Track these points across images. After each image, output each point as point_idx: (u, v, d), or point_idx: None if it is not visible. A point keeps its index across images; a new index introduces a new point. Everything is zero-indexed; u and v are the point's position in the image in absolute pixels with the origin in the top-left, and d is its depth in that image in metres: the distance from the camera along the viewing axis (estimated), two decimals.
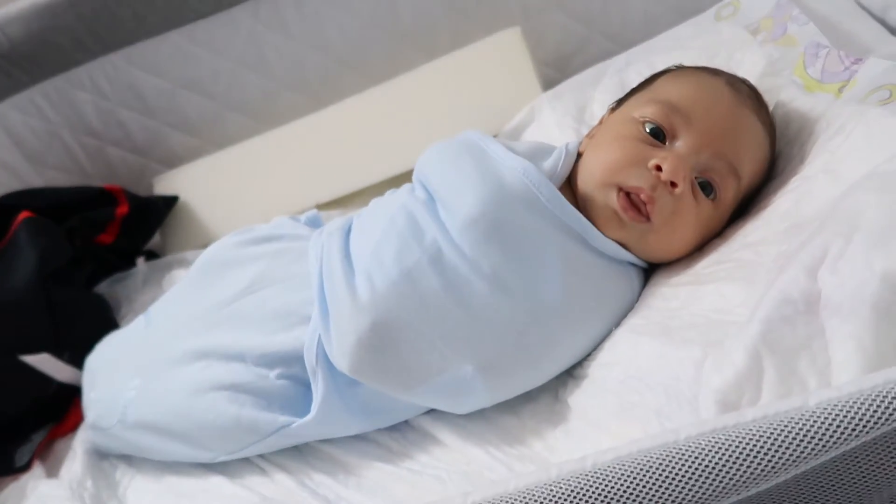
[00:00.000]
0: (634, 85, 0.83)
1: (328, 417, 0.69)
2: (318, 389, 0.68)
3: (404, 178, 0.92)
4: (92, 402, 0.79)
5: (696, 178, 0.68)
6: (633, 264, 0.72)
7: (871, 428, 0.42)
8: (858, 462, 0.44)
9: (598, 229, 0.68)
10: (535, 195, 0.68)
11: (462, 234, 0.66)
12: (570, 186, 0.73)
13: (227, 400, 0.70)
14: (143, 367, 0.75)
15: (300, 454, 0.73)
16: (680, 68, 0.77)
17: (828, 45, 0.76)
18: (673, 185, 0.66)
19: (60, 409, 0.86)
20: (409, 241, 0.67)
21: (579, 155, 0.75)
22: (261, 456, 0.73)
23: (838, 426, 0.42)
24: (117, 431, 0.75)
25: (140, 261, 1.05)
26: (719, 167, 0.68)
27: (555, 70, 1.13)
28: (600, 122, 0.78)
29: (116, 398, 0.75)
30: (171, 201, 1.10)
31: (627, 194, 0.67)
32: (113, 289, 1.03)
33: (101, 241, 1.04)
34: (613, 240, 0.69)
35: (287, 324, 0.71)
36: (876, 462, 0.44)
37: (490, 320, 0.66)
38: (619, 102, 0.78)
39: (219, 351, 0.72)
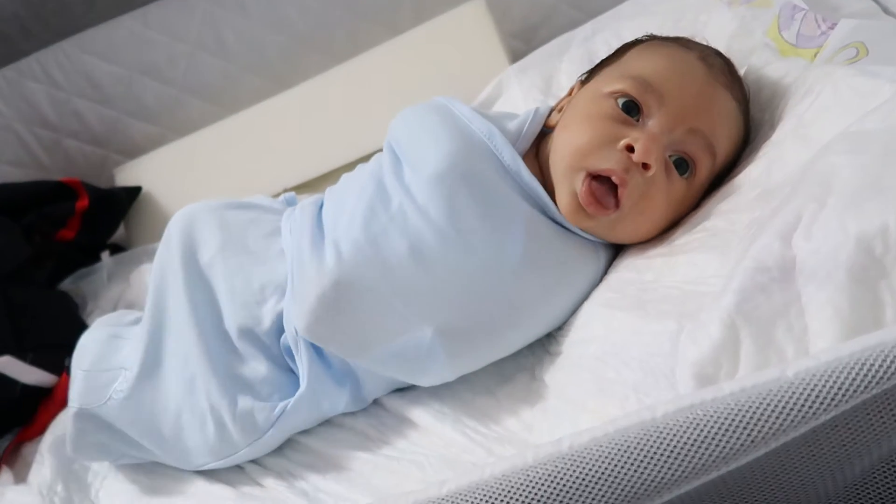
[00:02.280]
0: (601, 54, 0.81)
1: (318, 389, 0.68)
2: (302, 361, 0.68)
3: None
4: (78, 385, 0.72)
5: (669, 155, 0.66)
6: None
7: (851, 396, 0.41)
8: (839, 431, 0.43)
9: (564, 216, 0.67)
10: (497, 158, 0.68)
11: (428, 192, 0.66)
12: (536, 158, 0.72)
13: (218, 414, 0.67)
14: (133, 357, 0.71)
15: (279, 448, 0.71)
16: (651, 40, 0.75)
17: (804, 8, 0.74)
18: (645, 166, 0.64)
19: (27, 412, 0.84)
20: (376, 208, 0.67)
21: (548, 127, 0.73)
22: None
23: (817, 396, 0.41)
24: (106, 412, 0.69)
25: (104, 255, 1.03)
26: (694, 144, 0.66)
27: (521, 42, 1.11)
28: (570, 94, 0.76)
29: (108, 380, 0.70)
30: (133, 192, 1.07)
31: (597, 177, 0.65)
32: (77, 285, 1.01)
33: (62, 237, 1.02)
34: (579, 228, 0.68)
35: (261, 298, 0.70)
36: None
37: (450, 282, 0.65)
38: (590, 74, 0.76)
39: (204, 347, 0.69)
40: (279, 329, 0.70)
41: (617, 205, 0.65)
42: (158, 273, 0.75)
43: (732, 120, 0.69)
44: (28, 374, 0.84)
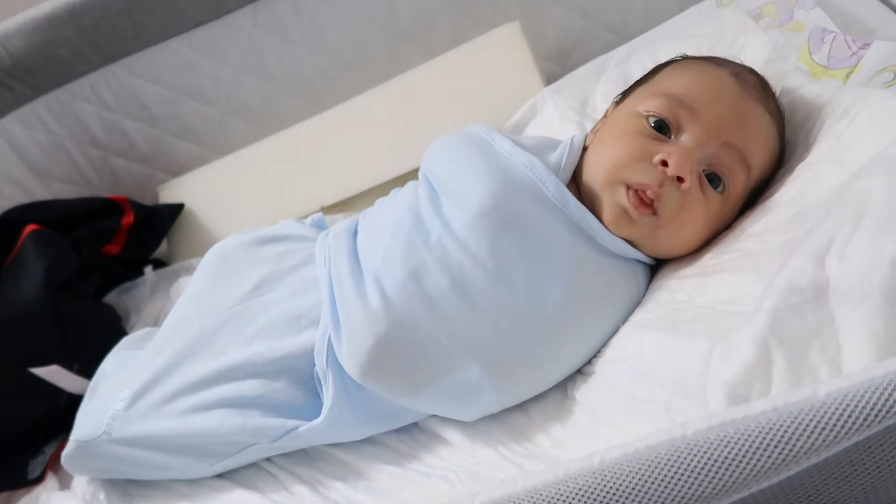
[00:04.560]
0: (637, 76, 0.82)
1: (337, 421, 0.68)
2: (328, 392, 0.68)
3: (408, 177, 0.92)
4: (82, 412, 0.76)
5: (703, 170, 0.67)
6: (640, 261, 0.71)
7: (884, 417, 0.41)
8: (872, 451, 0.43)
9: (606, 227, 0.68)
10: (542, 191, 0.67)
11: (470, 229, 0.66)
12: (575, 182, 0.72)
13: (232, 413, 0.69)
14: (137, 379, 0.73)
15: (311, 459, 0.73)
16: (683, 59, 0.76)
17: (834, 31, 0.74)
18: (680, 179, 0.66)
19: (72, 420, 0.86)
20: (415, 242, 0.67)
21: (585, 150, 0.74)
22: (272, 462, 0.73)
23: (850, 416, 0.41)
24: (99, 445, 0.72)
25: (148, 270, 1.06)
26: (727, 158, 0.67)
27: (556, 64, 1.12)
28: (604, 117, 0.77)
29: (104, 408, 0.73)
30: (176, 209, 1.10)
31: (635, 191, 0.66)
32: (121, 298, 1.04)
33: (108, 252, 1.05)
34: (622, 238, 0.68)
35: (296, 327, 0.71)
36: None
37: (496, 319, 0.65)
38: (624, 95, 0.77)
39: (225, 374, 0.70)
40: (312, 358, 0.69)
41: (655, 213, 0.66)
42: (184, 300, 0.77)
43: (765, 133, 0.69)
44: (73, 383, 0.87)
